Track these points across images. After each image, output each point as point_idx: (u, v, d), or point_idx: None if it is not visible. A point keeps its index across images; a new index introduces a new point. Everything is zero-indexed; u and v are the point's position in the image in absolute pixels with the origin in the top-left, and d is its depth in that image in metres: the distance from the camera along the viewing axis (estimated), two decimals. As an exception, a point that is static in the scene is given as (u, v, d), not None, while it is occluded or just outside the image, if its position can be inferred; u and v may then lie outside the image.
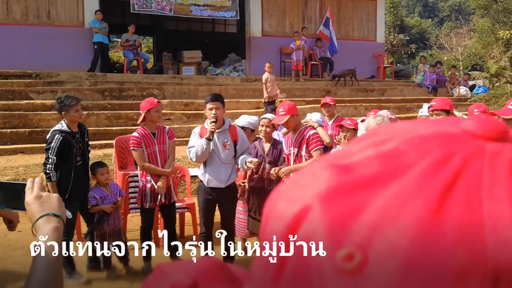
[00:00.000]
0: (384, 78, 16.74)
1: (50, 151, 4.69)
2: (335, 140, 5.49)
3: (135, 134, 5.08)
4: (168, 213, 5.29)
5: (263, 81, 10.53)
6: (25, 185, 1.32)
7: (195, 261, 0.82)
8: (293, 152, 4.75)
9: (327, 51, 14.85)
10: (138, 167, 5.16)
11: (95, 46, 12.33)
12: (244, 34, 15.46)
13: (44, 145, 4.86)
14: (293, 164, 4.76)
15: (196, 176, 7.03)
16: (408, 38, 30.52)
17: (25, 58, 11.66)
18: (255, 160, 4.70)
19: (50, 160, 4.68)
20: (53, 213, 1.26)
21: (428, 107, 4.26)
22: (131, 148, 5.10)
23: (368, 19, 16.27)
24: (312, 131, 4.75)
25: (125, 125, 10.18)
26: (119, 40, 23.88)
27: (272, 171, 4.81)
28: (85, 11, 12.63)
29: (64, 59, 12.02)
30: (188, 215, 6.39)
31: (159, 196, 5.06)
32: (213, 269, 0.77)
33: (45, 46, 12.00)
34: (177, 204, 5.54)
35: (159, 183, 5.00)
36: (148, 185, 5.03)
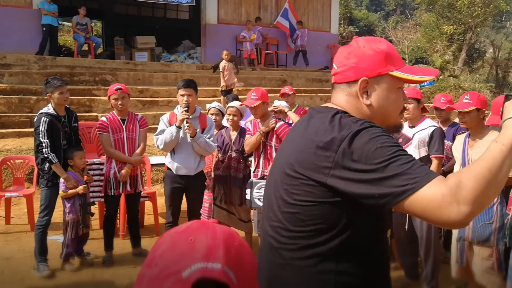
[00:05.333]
0: (337, 69, 16.96)
1: (41, 135, 4.52)
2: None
3: (103, 118, 4.99)
4: (132, 202, 5.16)
5: (221, 69, 10.43)
6: None
7: None
8: (262, 141, 4.73)
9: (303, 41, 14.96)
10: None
11: (44, 28, 11.79)
12: (197, 20, 15.26)
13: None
14: (261, 153, 4.74)
15: (156, 165, 6.92)
16: (358, 30, 31.11)
17: (-32, 39, 11.02)
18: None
19: (44, 144, 4.50)
20: None
21: None
22: (97, 132, 4.96)
23: (322, 9, 16.43)
24: (280, 123, 4.75)
25: (77, 111, 9.74)
26: (65, 23, 23.00)
27: None
28: (33, -9, 12.04)
29: (11, 41, 11.42)
30: (148, 205, 6.26)
31: (126, 184, 4.93)
32: None
33: (-10, 26, 11.36)
34: (138, 193, 5.40)
35: (122, 171, 4.87)
36: (112, 172, 4.89)
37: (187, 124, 4.53)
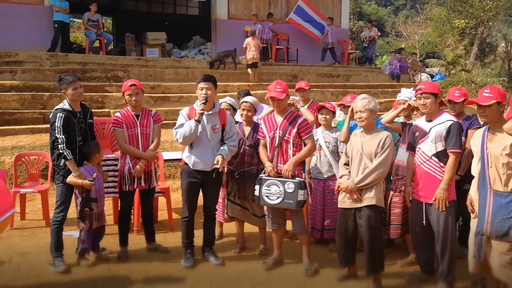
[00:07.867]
0: (348, 64, 16.92)
1: (56, 131, 4.53)
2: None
3: (117, 114, 5.00)
4: (146, 198, 5.17)
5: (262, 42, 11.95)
6: None
7: None
8: (278, 135, 4.68)
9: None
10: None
11: (56, 25, 11.85)
12: (207, 16, 15.25)
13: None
14: (277, 148, 4.70)
15: (169, 160, 6.93)
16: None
17: (-18, 37, 11.09)
18: (219, 162, 4.63)
19: (60, 140, 4.52)
20: None
21: (416, 90, 4.32)
22: (111, 127, 4.97)
23: (333, 4, 16.37)
24: (302, 118, 4.72)
25: (89, 107, 9.84)
26: (76, 20, 23.09)
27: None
28: (44, -12, 12.10)
29: (23, 38, 11.50)
30: (161, 200, 6.27)
31: (140, 180, 4.93)
32: None
33: (3, 24, 11.44)
34: (152, 189, 5.40)
35: (137, 166, 4.87)
36: (126, 167, 4.90)
37: (220, 164, 4.61)
